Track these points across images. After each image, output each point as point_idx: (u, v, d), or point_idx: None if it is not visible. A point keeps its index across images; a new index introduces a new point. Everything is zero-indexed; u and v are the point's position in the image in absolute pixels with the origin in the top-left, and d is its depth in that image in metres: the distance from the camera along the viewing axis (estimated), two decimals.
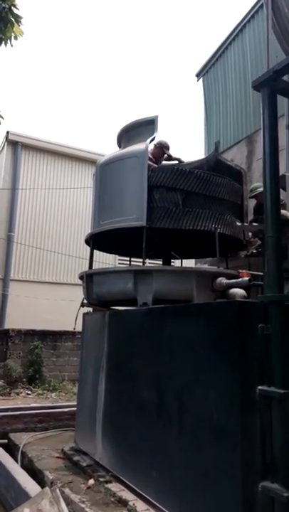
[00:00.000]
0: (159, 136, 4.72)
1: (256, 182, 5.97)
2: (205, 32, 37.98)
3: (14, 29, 6.16)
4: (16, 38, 6.36)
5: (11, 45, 6.35)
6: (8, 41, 6.26)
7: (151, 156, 5.05)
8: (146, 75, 38.43)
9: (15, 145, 11.56)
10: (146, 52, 37.97)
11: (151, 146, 4.58)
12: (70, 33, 36.48)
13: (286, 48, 4.28)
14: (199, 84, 9.32)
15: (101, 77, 37.12)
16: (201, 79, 9.27)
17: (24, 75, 35.03)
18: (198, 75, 9.34)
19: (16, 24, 6.15)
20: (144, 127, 4.85)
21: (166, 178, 4.48)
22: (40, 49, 35.71)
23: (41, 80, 35.79)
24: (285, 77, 3.33)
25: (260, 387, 2.68)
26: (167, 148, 5.40)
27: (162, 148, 5.37)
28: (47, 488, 2.84)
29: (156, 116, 4.76)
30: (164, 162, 5.42)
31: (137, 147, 4.62)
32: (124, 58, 37.47)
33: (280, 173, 3.31)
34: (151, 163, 4.83)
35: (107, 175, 4.84)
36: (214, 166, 5.48)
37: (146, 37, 37.73)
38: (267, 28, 4.11)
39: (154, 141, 5.12)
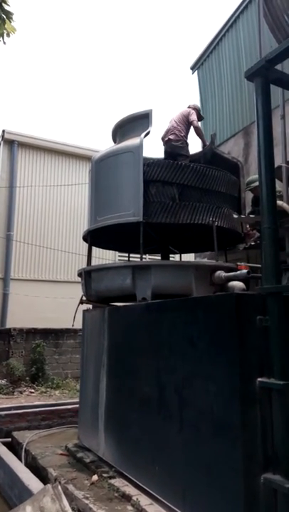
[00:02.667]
0: (154, 129, 4.69)
1: (253, 174, 5.94)
2: (199, 24, 37.74)
3: (6, 26, 6.08)
4: (8, 35, 6.29)
5: (4, 43, 6.29)
6: (1, 38, 6.21)
7: (195, 115, 5.35)
8: (140, 69, 38.25)
9: (11, 143, 11.53)
10: (140, 46, 37.77)
11: (146, 140, 4.57)
12: (63, 29, 36.29)
13: (279, 37, 4.23)
14: (194, 77, 9.27)
15: (95, 73, 36.95)
16: (196, 72, 9.21)
17: (18, 72, 34.88)
18: (192, 68, 9.28)
19: (7, 21, 6.08)
20: (138, 121, 4.82)
21: (162, 173, 4.46)
22: (34, 46, 35.53)
23: (35, 78, 35.65)
24: (279, 67, 3.31)
25: (259, 379, 2.67)
26: (200, 110, 5.73)
27: (198, 110, 5.55)
28: (49, 485, 2.84)
29: (151, 110, 4.73)
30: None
31: (132, 142, 4.59)
32: (118, 53, 37.27)
33: (276, 164, 3.28)
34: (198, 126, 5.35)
35: (102, 171, 4.82)
36: (211, 159, 5.46)
37: (141, 31, 37.52)
38: (259, 17, 4.06)
39: (191, 106, 5.56)
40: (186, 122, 5.31)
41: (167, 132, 5.33)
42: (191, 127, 5.35)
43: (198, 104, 5.92)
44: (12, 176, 11.39)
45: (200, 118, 5.72)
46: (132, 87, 38.08)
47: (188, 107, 5.55)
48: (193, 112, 5.40)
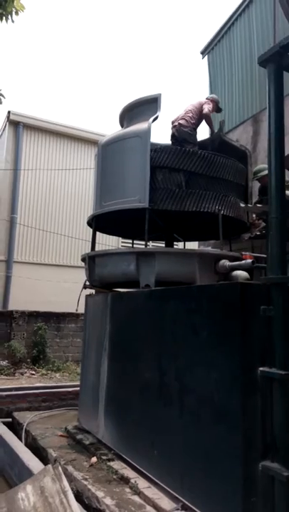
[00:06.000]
0: (163, 114, 4.62)
1: (261, 163, 5.87)
2: (211, 8, 36.95)
3: (15, 3, 5.96)
4: (16, 13, 6.16)
5: (12, 21, 6.16)
6: (9, 16, 6.08)
7: (210, 107, 5.31)
8: (150, 53, 37.63)
9: (16, 125, 11.42)
10: (150, 29, 37.09)
11: (154, 125, 4.51)
12: (72, 9, 35.62)
13: None
14: (204, 61, 9.10)
15: (104, 56, 36.40)
16: (206, 56, 9.03)
17: (25, 53, 34.39)
18: (203, 53, 9.10)
19: None
20: (147, 106, 4.74)
21: (170, 159, 4.41)
22: (41, 26, 34.93)
23: (43, 59, 35.15)
24: None
25: (261, 369, 2.68)
26: (219, 102, 5.66)
27: (216, 102, 5.51)
28: (49, 466, 2.88)
29: (160, 95, 4.65)
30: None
31: (140, 126, 4.53)
32: (127, 36, 36.63)
33: (286, 153, 3.23)
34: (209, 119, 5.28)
35: (109, 155, 4.77)
36: (219, 146, 5.39)
37: (151, 13, 36.78)
38: (274, 1, 3.96)
39: (209, 98, 5.52)
40: (199, 111, 5.28)
41: (178, 117, 5.27)
42: (203, 120, 5.31)
43: (214, 95, 5.79)
44: (17, 158, 11.31)
45: (218, 110, 5.67)
46: (141, 70, 37.54)
47: (207, 98, 5.53)
48: (210, 102, 5.37)
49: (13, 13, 6.00)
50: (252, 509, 2.51)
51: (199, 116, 5.28)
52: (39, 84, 35.46)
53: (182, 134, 5.12)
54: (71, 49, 35.78)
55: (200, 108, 5.28)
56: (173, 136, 5.27)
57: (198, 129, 5.33)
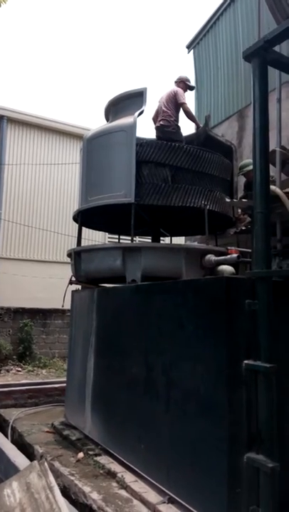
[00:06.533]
0: (149, 108, 4.59)
1: (246, 158, 5.90)
2: (197, 2, 36.86)
3: None
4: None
5: None
6: None
7: (182, 94, 5.14)
8: (136, 47, 37.38)
9: (0, 119, 11.23)
10: (136, 23, 36.83)
11: (139, 120, 4.48)
12: (58, 2, 35.12)
13: (278, 18, 4.15)
14: (190, 56, 9.08)
15: (89, 49, 36.03)
16: (192, 51, 9.01)
17: (9, 45, 33.81)
18: (188, 47, 9.07)
19: None
20: (132, 100, 4.72)
21: (155, 153, 4.40)
22: (26, 18, 34.37)
23: (27, 52, 34.62)
24: (277, 49, 3.25)
25: (246, 362, 2.71)
26: (188, 80, 5.46)
27: (184, 82, 5.35)
28: (35, 462, 2.87)
29: (145, 89, 4.63)
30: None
31: (125, 120, 4.50)
32: (113, 29, 36.33)
33: (271, 148, 3.25)
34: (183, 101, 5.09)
35: (94, 149, 4.73)
36: (204, 141, 5.39)
37: (137, 7, 36.51)
38: None
39: (177, 81, 5.33)
40: (174, 103, 5.11)
41: (157, 114, 5.19)
42: (180, 108, 5.22)
43: (182, 75, 5.42)
44: (1, 152, 11.14)
45: (190, 88, 5.51)
46: (127, 64, 37.29)
47: (175, 82, 5.36)
48: (180, 90, 5.17)
49: None
50: (237, 500, 2.55)
51: (176, 108, 5.11)
52: (23, 77, 34.94)
53: (166, 134, 5.02)
54: (56, 42, 35.33)
55: (173, 100, 5.10)
56: (158, 138, 5.15)
57: (181, 123, 5.23)
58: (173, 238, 6.55)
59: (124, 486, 3.38)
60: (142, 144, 4.44)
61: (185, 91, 5.35)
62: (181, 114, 5.23)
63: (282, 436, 2.69)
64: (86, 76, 35.16)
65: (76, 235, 5.24)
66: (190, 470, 2.90)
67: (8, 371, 8.98)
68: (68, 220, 11.05)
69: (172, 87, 5.31)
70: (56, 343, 10.49)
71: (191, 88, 5.60)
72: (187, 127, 5.37)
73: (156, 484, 3.19)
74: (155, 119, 5.26)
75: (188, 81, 5.49)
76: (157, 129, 5.17)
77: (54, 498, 2.50)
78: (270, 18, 4.50)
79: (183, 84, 5.35)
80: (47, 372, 9.11)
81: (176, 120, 5.14)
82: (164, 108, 5.11)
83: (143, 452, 3.44)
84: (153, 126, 5.33)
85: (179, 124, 5.18)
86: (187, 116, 5.27)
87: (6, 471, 3.75)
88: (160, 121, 5.10)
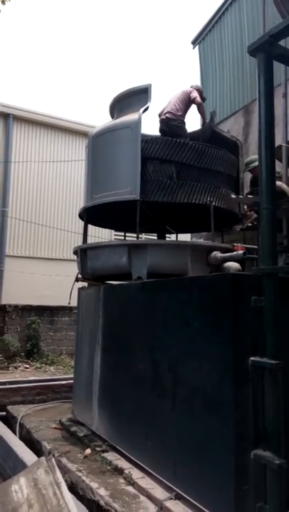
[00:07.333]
0: (153, 105, 4.58)
1: (252, 154, 5.87)
2: None
3: None
4: (3, 2, 6.10)
5: None
6: None
7: (199, 98, 5.24)
8: (141, 43, 37.26)
9: (6, 117, 11.29)
10: (141, 19, 36.68)
11: (144, 116, 4.46)
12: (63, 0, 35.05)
13: (283, 12, 4.11)
14: (195, 52, 9.04)
15: (94, 46, 35.96)
16: (197, 46, 8.97)
17: (15, 43, 33.85)
18: (194, 43, 9.04)
19: None
20: (137, 96, 4.70)
21: (161, 150, 4.38)
22: (31, 16, 34.38)
23: (33, 50, 34.66)
24: (282, 43, 3.21)
25: (252, 358, 2.69)
26: (202, 91, 5.57)
27: (200, 91, 5.41)
28: (43, 458, 2.89)
29: (150, 85, 4.60)
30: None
31: (130, 117, 4.49)
32: (118, 26, 36.21)
33: (277, 144, 3.23)
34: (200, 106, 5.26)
35: (99, 146, 4.73)
36: (210, 137, 5.37)
37: (142, 3, 36.34)
38: None
39: (193, 86, 5.41)
40: (186, 101, 5.16)
41: (164, 110, 5.20)
42: (191, 107, 5.23)
43: (199, 83, 5.79)
44: (7, 150, 11.20)
45: (202, 99, 5.59)
46: (131, 61, 37.18)
47: (191, 87, 5.44)
48: (195, 91, 5.28)
49: (0, 2, 5.93)
50: (244, 497, 2.54)
51: (186, 106, 5.17)
52: (29, 75, 34.99)
53: (171, 128, 5.03)
54: (61, 40, 35.31)
55: (185, 97, 5.16)
56: (162, 131, 5.17)
57: (187, 120, 5.26)
58: (179, 235, 6.54)
59: (131, 482, 3.39)
60: (147, 140, 4.43)
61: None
62: (190, 111, 5.27)
63: None
64: (91, 73, 35.14)
65: (82, 232, 5.26)
66: (197, 467, 2.90)
67: (16, 368, 9.06)
68: (75, 218, 11.10)
69: (187, 88, 5.38)
70: (64, 340, 10.56)
71: (203, 100, 5.65)
72: (191, 125, 5.39)
73: (163, 480, 3.20)
74: (160, 115, 5.24)
75: (202, 92, 5.60)
76: (162, 121, 5.15)
77: (61, 494, 2.52)
78: (276, 12, 4.47)
79: (198, 92, 5.39)
80: (55, 369, 9.18)
81: (183, 116, 5.14)
82: (173, 103, 5.12)
83: (150, 449, 3.45)
84: (158, 120, 5.31)
85: (185, 121, 5.18)
86: (199, 110, 5.31)
87: (14, 468, 3.78)
88: (166, 113, 5.09)
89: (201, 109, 5.32)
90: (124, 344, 4.07)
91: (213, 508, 2.69)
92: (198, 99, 5.20)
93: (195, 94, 5.19)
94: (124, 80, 34.13)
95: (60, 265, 11.33)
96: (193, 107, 5.33)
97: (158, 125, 5.28)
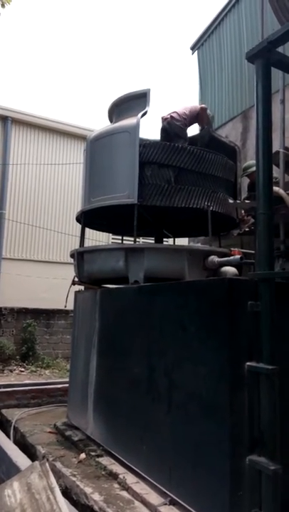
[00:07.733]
0: (152, 109, 4.59)
1: (250, 160, 5.89)
2: (201, 3, 36.85)
3: None
4: (3, 5, 6.12)
5: None
6: None
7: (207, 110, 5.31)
8: (139, 48, 37.42)
9: (4, 120, 11.28)
10: (139, 24, 36.87)
11: (143, 121, 4.47)
12: (61, 3, 35.22)
13: (281, 18, 4.14)
14: (194, 57, 9.09)
15: (93, 50, 36.10)
16: (196, 52, 9.02)
17: (14, 46, 33.94)
18: (192, 48, 9.09)
19: None
20: (136, 101, 4.71)
21: (158, 154, 4.39)
22: (31, 19, 34.50)
23: (31, 53, 34.75)
24: (280, 50, 3.24)
25: (248, 363, 2.69)
26: (210, 115, 5.62)
27: (208, 115, 5.44)
28: (36, 462, 2.87)
29: (149, 90, 4.62)
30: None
31: (129, 121, 4.50)
32: (116, 31, 36.39)
33: (274, 150, 3.24)
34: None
35: (97, 150, 4.73)
36: (208, 142, 5.38)
37: (141, 8, 36.55)
38: None
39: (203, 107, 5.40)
40: (193, 114, 5.17)
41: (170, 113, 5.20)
42: (195, 124, 5.31)
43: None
44: (5, 153, 11.19)
45: (208, 122, 5.58)
46: (130, 65, 37.34)
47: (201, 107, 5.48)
48: (206, 111, 5.35)
49: (0, 5, 5.95)
50: (239, 503, 2.53)
51: (191, 117, 5.16)
52: (27, 78, 35.06)
53: (174, 127, 4.99)
54: (59, 43, 35.43)
55: (193, 111, 5.16)
56: (164, 130, 5.15)
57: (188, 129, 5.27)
58: (176, 239, 6.54)
59: (125, 487, 3.37)
60: (145, 144, 4.44)
61: (207, 116, 5.48)
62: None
63: (285, 439, 2.67)
64: (90, 77, 35.24)
65: (79, 235, 5.25)
66: (192, 472, 2.89)
67: (11, 371, 9.01)
68: (72, 220, 11.08)
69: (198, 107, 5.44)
70: (59, 344, 10.52)
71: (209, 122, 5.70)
72: (189, 130, 5.39)
73: (158, 486, 3.18)
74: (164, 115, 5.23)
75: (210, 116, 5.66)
76: (166, 120, 5.10)
77: (55, 499, 2.50)
78: (274, 19, 4.51)
79: (206, 113, 5.42)
80: (50, 373, 9.13)
81: (187, 121, 5.14)
82: (181, 109, 5.12)
83: (145, 454, 3.43)
84: (158, 127, 5.31)
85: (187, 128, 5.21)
86: (201, 114, 5.30)
87: (7, 472, 3.75)
88: (172, 113, 5.07)
89: (203, 114, 5.30)
90: (121, 348, 4.06)
91: None
92: (205, 108, 5.25)
93: (204, 114, 5.23)
94: (123, 84, 34.27)
95: (57, 268, 11.29)
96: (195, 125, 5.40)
97: (158, 127, 5.25)
